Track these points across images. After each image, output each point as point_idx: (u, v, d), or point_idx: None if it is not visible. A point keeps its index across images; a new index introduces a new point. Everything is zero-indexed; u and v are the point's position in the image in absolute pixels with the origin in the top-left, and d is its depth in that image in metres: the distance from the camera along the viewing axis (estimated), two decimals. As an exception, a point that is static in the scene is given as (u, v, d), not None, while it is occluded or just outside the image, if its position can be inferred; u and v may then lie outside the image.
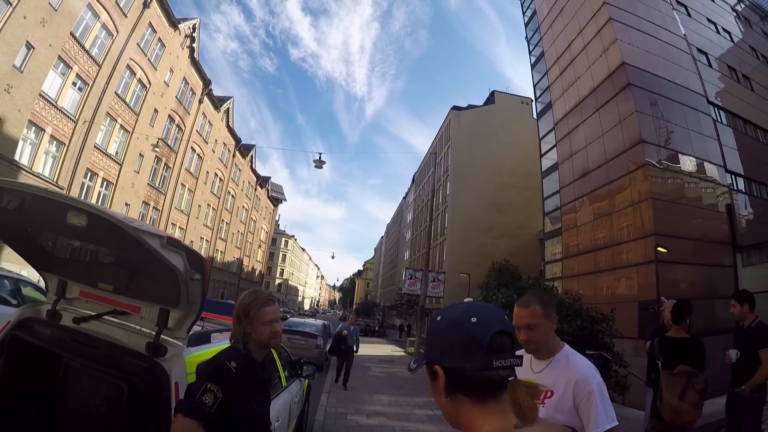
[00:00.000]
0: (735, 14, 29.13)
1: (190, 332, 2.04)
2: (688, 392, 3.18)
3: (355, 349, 9.60)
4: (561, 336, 7.95)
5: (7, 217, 2.00)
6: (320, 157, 16.70)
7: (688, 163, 19.59)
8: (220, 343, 2.47)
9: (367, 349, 12.08)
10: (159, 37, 23.22)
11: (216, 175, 35.00)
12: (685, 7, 24.99)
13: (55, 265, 2.34)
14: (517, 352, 1.68)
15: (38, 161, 16.61)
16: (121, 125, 21.20)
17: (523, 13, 32.35)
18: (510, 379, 0.77)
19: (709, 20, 25.94)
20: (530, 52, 30.67)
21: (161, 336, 1.91)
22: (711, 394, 4.22)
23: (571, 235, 22.78)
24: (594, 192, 21.04)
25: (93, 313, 2.13)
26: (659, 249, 16.25)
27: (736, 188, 21.10)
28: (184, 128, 27.68)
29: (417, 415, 7.22)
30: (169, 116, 25.74)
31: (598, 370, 6.24)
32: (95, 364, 1.99)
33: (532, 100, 32.77)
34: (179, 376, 1.87)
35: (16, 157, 15.35)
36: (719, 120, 21.73)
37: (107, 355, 1.98)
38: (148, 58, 22.44)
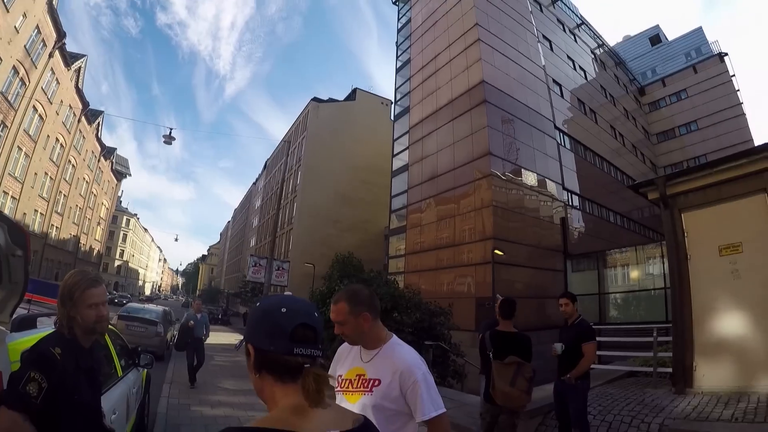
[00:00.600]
0: (593, 56, 33.58)
1: (14, 316, 1.88)
2: (518, 380, 3.50)
3: (204, 336, 8.91)
4: (401, 327, 8.35)
5: None
6: (170, 133, 15.85)
7: (530, 178, 21.97)
8: (47, 328, 2.26)
9: (211, 337, 11.78)
10: (18, -26, 20.50)
11: (57, 140, 31.38)
12: (550, 42, 28.22)
13: None
14: (342, 345, 1.82)
15: None
16: (-43, 72, 18.23)
17: (398, 19, 33.96)
18: (306, 365, 0.86)
19: (568, 57, 29.58)
20: (397, 57, 32.33)
21: None
22: (540, 382, 4.64)
23: (415, 233, 24.33)
24: (440, 195, 22.73)
25: None
26: (496, 252, 17.92)
27: (571, 204, 24.15)
28: (28, 83, 24.41)
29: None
30: (14, 67, 22.53)
31: (436, 360, 7.41)
32: None
33: (392, 102, 34.43)
34: (3, 365, 1.72)
35: None
36: (563, 144, 24.76)
37: None
38: (2, -3, 19.68)
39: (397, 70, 31.59)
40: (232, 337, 20.31)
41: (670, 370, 6.20)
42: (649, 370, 6.92)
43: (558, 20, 31.07)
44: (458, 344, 10.96)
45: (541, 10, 29.40)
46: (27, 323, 2.31)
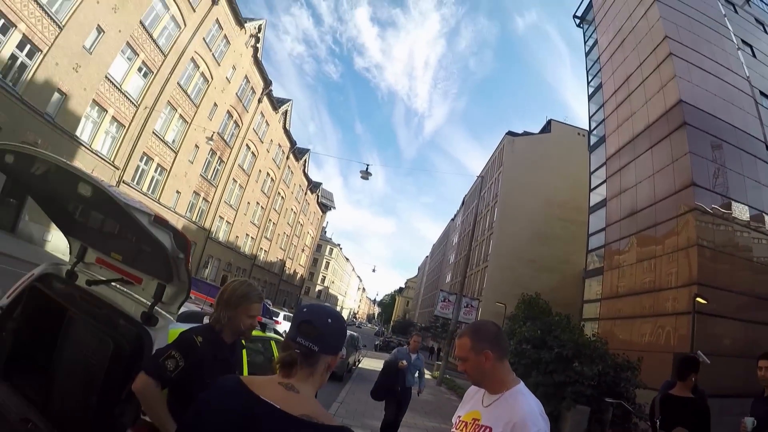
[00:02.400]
0: (807, 60, 27.79)
1: (181, 309, 2.25)
2: None
3: (419, 389, 6.48)
4: (580, 379, 8.16)
5: (36, 182, 2.35)
6: (367, 169, 17.26)
7: (741, 212, 18.65)
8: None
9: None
10: (225, 34, 24.19)
11: (268, 174, 35.73)
12: (751, 47, 23.96)
13: (77, 231, 2.65)
14: (471, 387, 1.80)
15: (98, 140, 17.55)
16: (180, 115, 22.13)
17: (585, 43, 31.46)
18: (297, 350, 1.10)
19: (776, 63, 24.82)
20: (588, 83, 29.76)
21: (155, 308, 2.11)
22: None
23: (612, 275, 21.68)
24: (640, 233, 20.02)
25: (104, 279, 2.39)
26: (698, 299, 15.46)
27: (793, 244, 19.92)
28: (241, 125, 28.56)
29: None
30: (228, 112, 26.60)
31: (615, 420, 7.32)
32: (94, 321, 2.18)
33: (588, 132, 31.30)
34: (161, 345, 2.00)
35: (78, 133, 16.28)
36: (779, 169, 20.63)
37: (107, 315, 2.21)
38: (213, 53, 23.34)
39: (590, 97, 29.24)
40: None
41: None
42: None
43: (756, 20, 26.33)
44: (644, 405, 9.44)
45: (736, 11, 25.15)
46: (193, 318, 2.59)
